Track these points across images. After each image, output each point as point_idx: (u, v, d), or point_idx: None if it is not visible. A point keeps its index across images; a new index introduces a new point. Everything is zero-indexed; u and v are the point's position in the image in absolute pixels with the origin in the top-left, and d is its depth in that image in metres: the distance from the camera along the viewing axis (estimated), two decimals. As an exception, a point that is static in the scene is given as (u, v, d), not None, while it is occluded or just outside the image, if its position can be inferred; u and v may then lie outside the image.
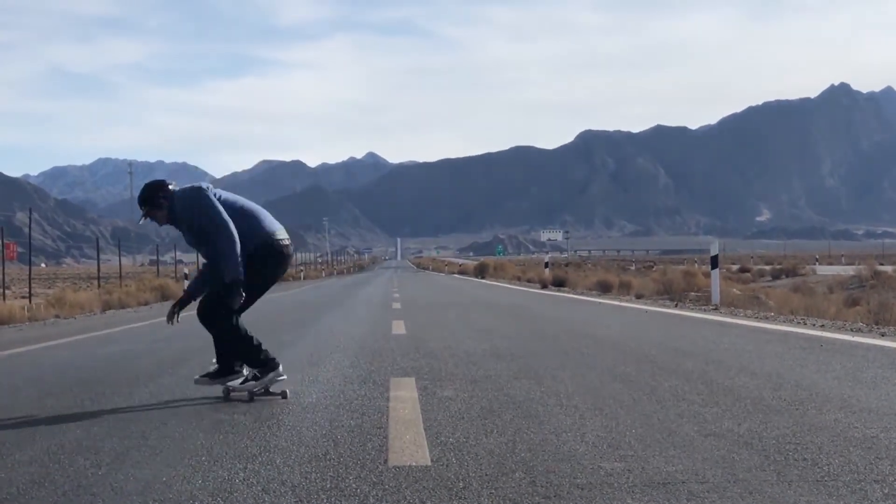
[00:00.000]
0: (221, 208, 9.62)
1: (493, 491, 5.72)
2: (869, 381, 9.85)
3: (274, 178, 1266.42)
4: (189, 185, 9.77)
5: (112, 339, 19.34)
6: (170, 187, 9.75)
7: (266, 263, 9.89)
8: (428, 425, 7.77)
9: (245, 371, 9.92)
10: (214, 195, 9.73)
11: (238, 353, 9.97)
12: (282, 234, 10.06)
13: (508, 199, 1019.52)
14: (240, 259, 9.52)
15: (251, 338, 9.89)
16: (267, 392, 9.78)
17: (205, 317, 9.98)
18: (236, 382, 9.86)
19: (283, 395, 9.74)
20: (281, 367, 9.91)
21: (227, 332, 9.92)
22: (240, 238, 9.60)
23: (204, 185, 9.76)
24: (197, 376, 10.21)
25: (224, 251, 9.53)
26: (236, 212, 9.77)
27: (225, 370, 10.03)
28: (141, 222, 10.02)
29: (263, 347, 9.90)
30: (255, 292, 9.98)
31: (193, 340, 17.61)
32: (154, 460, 6.76)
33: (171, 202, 9.67)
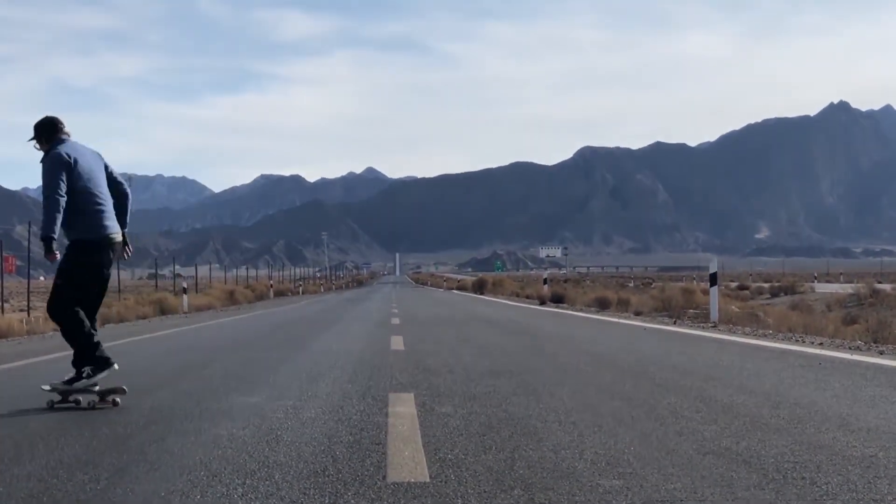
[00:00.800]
0: (62, 182, 10.12)
1: (492, 508, 5.72)
2: (867, 400, 9.86)
3: (273, 192, 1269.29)
4: (59, 148, 10.29)
5: (109, 354, 19.30)
6: (63, 134, 10.45)
7: (99, 261, 10.47)
8: (426, 441, 7.77)
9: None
10: (72, 163, 10.23)
11: (77, 345, 10.38)
12: (118, 235, 10.61)
13: (507, 215, 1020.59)
14: (55, 224, 10.05)
15: (91, 334, 10.39)
16: (102, 399, 10.19)
17: (50, 308, 10.56)
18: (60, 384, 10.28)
19: (114, 403, 10.17)
20: (116, 366, 10.47)
21: (70, 322, 10.36)
22: (80, 226, 10.32)
23: (66, 153, 10.26)
24: (47, 386, 10.38)
25: (44, 213, 10.11)
26: (88, 196, 10.35)
27: (95, 363, 10.37)
28: (26, 142, 10.50)
29: (102, 347, 10.48)
30: (89, 284, 10.50)
31: (192, 355, 17.66)
32: (152, 475, 6.76)
33: (50, 145, 10.38)
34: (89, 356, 10.28)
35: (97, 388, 10.21)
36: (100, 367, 10.26)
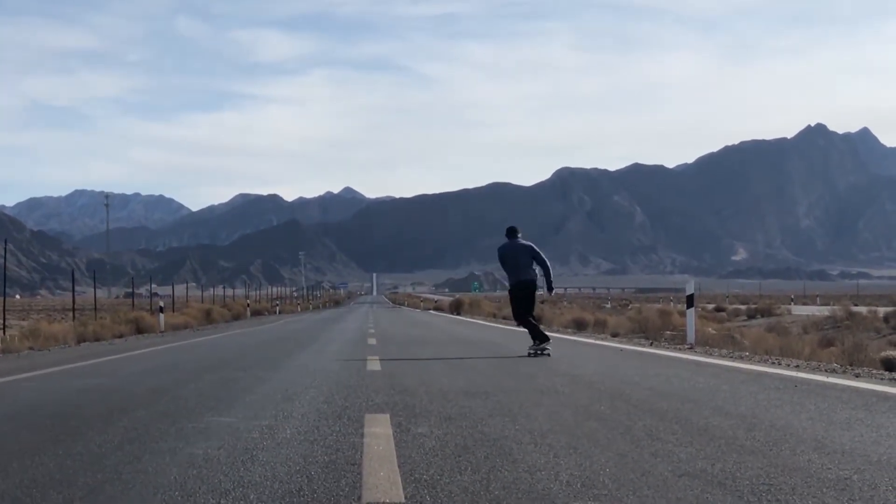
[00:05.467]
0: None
1: (467, 529, 5.71)
2: (843, 423, 9.87)
3: (250, 211, 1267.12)
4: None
5: (86, 372, 19.27)
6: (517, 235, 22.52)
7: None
8: (402, 462, 7.76)
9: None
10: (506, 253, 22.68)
11: (534, 331, 21.79)
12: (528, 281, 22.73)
13: (485, 236, 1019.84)
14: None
15: (536, 325, 22.14)
16: (543, 353, 21.16)
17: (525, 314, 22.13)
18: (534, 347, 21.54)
19: (548, 354, 21.06)
20: (549, 343, 21.78)
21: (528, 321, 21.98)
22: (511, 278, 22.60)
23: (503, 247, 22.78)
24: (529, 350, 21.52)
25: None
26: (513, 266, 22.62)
27: (540, 339, 21.65)
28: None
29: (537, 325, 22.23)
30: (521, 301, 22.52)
31: (168, 375, 17.62)
32: (127, 495, 6.74)
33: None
34: (538, 335, 21.63)
35: (545, 351, 21.28)
36: (543, 340, 21.60)
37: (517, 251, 22.29)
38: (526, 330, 22.10)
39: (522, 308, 22.18)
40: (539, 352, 21.14)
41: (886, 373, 16.42)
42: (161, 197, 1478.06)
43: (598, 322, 40.12)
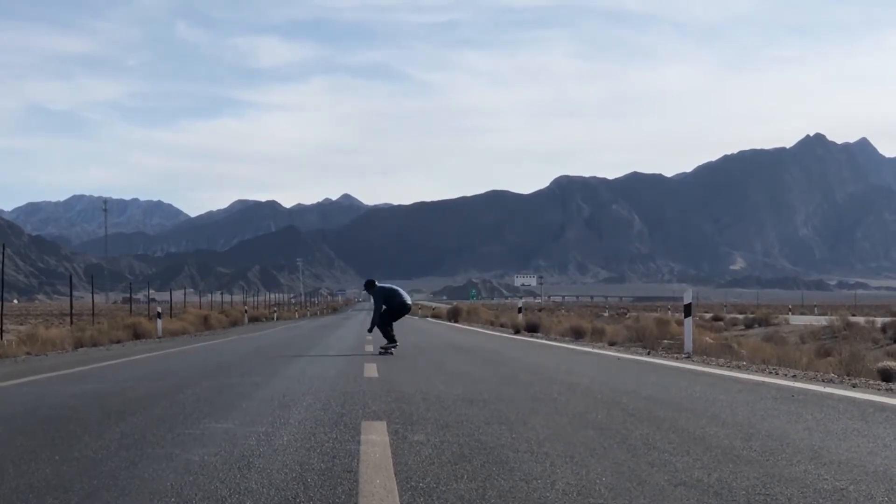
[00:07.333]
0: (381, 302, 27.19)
1: (463, 537, 5.70)
2: (839, 433, 9.86)
3: (249, 217, 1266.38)
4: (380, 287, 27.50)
5: (83, 378, 19.26)
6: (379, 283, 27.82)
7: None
8: (398, 470, 7.76)
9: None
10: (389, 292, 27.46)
11: (392, 336, 26.42)
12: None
13: (483, 244, 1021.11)
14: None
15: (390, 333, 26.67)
16: (386, 351, 26.00)
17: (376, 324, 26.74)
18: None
19: (391, 353, 25.93)
20: (396, 346, 26.52)
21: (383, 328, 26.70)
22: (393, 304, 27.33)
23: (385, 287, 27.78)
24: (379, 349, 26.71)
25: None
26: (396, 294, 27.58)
27: (390, 340, 26.32)
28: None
29: (392, 333, 26.68)
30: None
31: (165, 380, 17.60)
32: (123, 501, 6.73)
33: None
34: (392, 340, 26.29)
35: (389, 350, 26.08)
36: (392, 343, 26.39)
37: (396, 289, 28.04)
38: (387, 337, 26.73)
39: (392, 320, 27.21)
40: (386, 350, 26.40)
41: (883, 383, 16.42)
42: (160, 202, 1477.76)
43: (595, 330, 40.04)
